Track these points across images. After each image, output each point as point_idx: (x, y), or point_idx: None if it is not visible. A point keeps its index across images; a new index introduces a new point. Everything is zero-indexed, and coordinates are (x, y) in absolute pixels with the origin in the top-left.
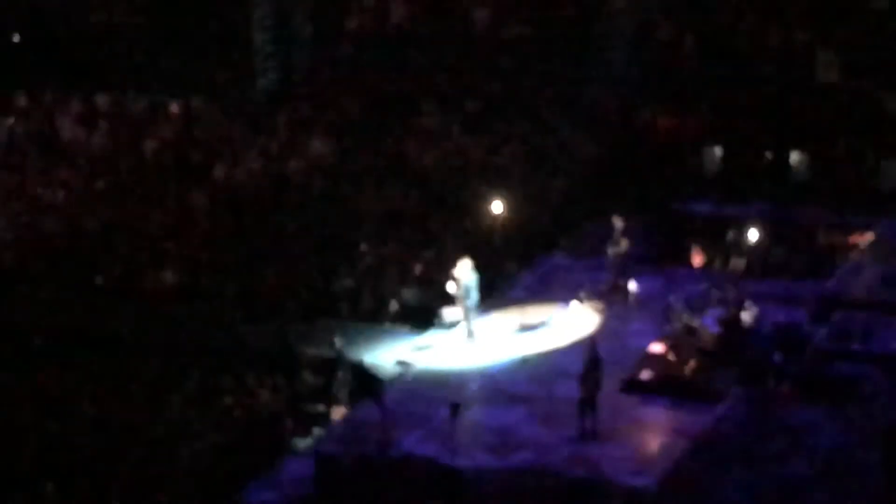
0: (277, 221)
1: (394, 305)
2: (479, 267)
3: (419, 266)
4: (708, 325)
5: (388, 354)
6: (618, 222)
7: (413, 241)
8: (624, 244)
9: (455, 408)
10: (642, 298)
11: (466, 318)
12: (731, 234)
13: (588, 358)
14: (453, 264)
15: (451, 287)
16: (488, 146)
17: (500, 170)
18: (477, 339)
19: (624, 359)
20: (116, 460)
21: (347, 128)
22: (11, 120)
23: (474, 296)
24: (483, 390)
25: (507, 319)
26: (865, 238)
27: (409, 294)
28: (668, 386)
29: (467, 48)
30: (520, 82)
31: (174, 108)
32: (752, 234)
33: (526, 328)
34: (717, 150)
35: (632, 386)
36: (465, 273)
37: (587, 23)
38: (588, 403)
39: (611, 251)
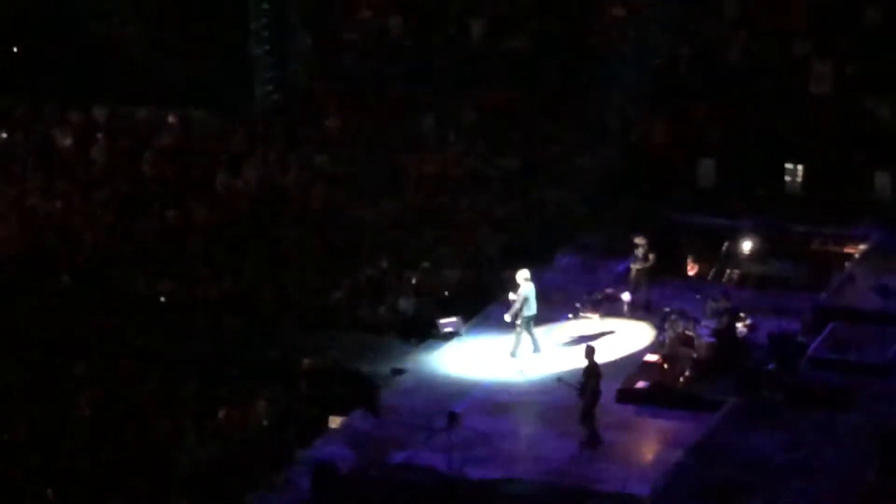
0: (276, 232)
1: (391, 315)
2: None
3: (416, 276)
4: (703, 335)
5: (385, 364)
6: (640, 240)
7: (411, 252)
8: (651, 260)
9: (452, 417)
10: (638, 309)
11: (529, 330)
12: (725, 245)
13: (586, 368)
14: (449, 275)
15: (512, 298)
16: (485, 157)
17: (497, 181)
18: (542, 350)
19: (619, 369)
20: (115, 468)
21: (345, 139)
22: (4, 134)
23: (533, 306)
24: (479, 399)
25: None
26: (859, 248)
27: (407, 304)
28: (662, 395)
29: (465, 59)
30: (517, 93)
31: (172, 119)
32: (747, 245)
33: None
34: (712, 162)
35: (627, 395)
36: (523, 283)
37: (584, 35)
38: (586, 413)
39: (633, 266)
